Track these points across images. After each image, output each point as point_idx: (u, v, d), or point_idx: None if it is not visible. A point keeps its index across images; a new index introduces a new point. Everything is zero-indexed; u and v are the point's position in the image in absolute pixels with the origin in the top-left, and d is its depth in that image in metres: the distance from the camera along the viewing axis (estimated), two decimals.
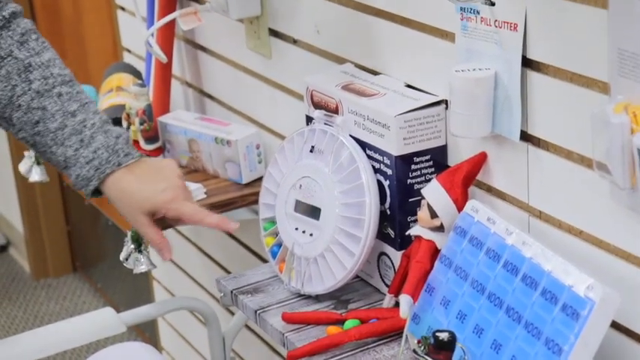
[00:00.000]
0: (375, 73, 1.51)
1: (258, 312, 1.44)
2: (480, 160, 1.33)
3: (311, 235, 1.43)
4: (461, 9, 1.30)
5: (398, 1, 1.44)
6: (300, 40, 1.69)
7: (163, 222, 1.49)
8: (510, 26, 1.23)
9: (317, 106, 1.49)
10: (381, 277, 1.45)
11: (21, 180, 3.38)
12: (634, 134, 1.05)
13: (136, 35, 2.18)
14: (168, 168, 1.46)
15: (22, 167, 2.14)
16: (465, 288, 1.24)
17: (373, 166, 1.40)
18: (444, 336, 1.16)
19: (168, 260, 1.49)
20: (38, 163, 2.12)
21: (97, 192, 1.45)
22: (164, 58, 1.87)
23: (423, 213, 1.32)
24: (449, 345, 1.16)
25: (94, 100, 1.47)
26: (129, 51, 2.33)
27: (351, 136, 1.42)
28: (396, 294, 1.36)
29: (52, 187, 3.47)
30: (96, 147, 1.41)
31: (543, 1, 1.18)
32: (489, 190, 1.35)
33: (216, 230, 2.13)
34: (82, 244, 3.55)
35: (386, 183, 1.39)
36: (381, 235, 1.42)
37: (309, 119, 1.51)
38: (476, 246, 1.25)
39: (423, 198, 1.33)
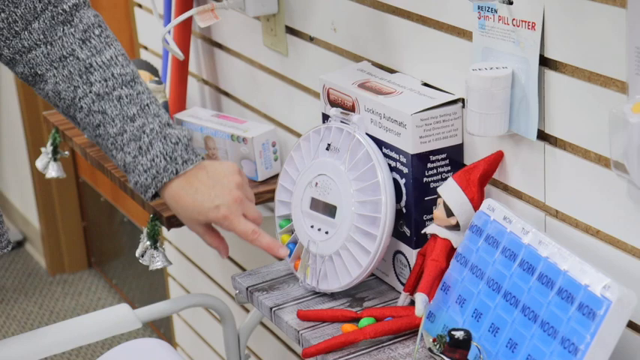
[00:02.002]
0: (391, 71, 1.51)
1: (273, 309, 1.44)
2: (497, 158, 1.33)
3: (326, 232, 1.43)
4: (478, 7, 1.29)
5: None
6: (316, 37, 1.69)
7: None
8: (528, 25, 1.23)
9: (333, 103, 1.49)
10: (396, 275, 1.45)
11: (37, 176, 3.40)
12: None
13: (153, 32, 2.19)
14: (227, 178, 1.41)
15: (39, 163, 2.15)
16: (481, 287, 1.24)
17: (389, 165, 1.40)
18: (459, 334, 1.16)
19: (226, 258, 1.47)
20: (55, 160, 2.13)
21: (157, 195, 1.44)
22: (181, 55, 1.88)
23: (438, 211, 1.32)
24: (464, 343, 1.16)
25: (156, 100, 1.45)
26: (146, 48, 2.33)
27: (367, 134, 1.42)
28: (412, 292, 1.36)
29: (68, 183, 3.48)
30: (154, 155, 1.39)
31: None
32: (506, 188, 1.34)
33: None
34: (98, 240, 3.56)
35: (402, 181, 1.39)
36: (397, 233, 1.42)
37: (325, 117, 1.51)
38: (492, 245, 1.25)
39: (439, 196, 1.33)
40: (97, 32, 1.42)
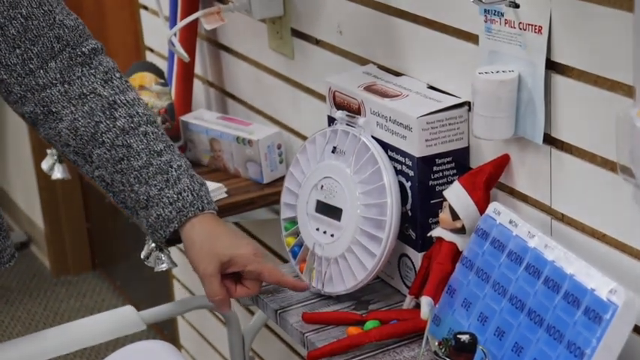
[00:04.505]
0: (397, 74, 1.51)
1: (278, 312, 1.44)
2: (503, 162, 1.33)
3: (332, 235, 1.43)
4: (485, 11, 1.29)
5: (421, 2, 1.43)
6: (322, 40, 1.69)
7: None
8: (535, 28, 1.23)
9: (339, 106, 1.49)
10: (401, 278, 1.45)
11: (42, 177, 3.40)
12: None
13: (159, 34, 2.19)
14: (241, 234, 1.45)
15: (45, 165, 2.16)
16: (487, 290, 1.24)
17: (395, 168, 1.40)
18: (465, 338, 1.16)
19: (227, 312, 1.47)
20: (60, 161, 2.13)
21: (172, 238, 1.43)
22: (186, 58, 1.88)
23: (444, 215, 1.32)
24: (470, 347, 1.16)
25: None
26: (151, 50, 2.33)
27: (373, 137, 1.42)
28: (417, 295, 1.35)
29: (73, 185, 3.48)
30: (181, 188, 1.38)
31: (568, 3, 1.18)
32: (512, 192, 1.34)
33: None
34: (102, 241, 3.56)
35: (407, 184, 1.39)
36: (402, 236, 1.41)
37: (331, 120, 1.51)
38: (498, 248, 1.25)
39: (445, 200, 1.33)
40: (117, 75, 1.42)
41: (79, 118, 1.39)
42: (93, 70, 1.40)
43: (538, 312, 1.16)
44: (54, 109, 1.39)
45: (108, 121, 1.39)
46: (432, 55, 1.44)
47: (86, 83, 1.39)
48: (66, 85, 1.39)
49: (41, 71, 1.38)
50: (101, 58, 1.42)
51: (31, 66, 1.38)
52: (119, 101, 1.39)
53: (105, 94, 1.39)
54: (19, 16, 1.36)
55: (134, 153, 1.39)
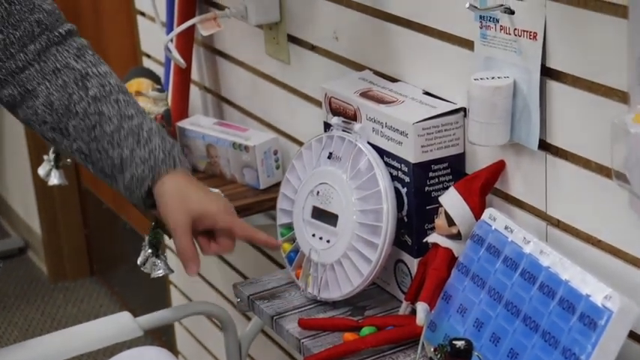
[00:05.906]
0: (393, 80, 1.51)
1: (274, 318, 1.44)
2: (498, 168, 1.33)
3: (328, 241, 1.43)
4: (480, 17, 1.30)
5: (417, 8, 1.44)
6: (318, 46, 1.69)
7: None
8: (530, 35, 1.23)
9: (335, 112, 1.49)
10: (397, 284, 1.45)
11: (40, 183, 3.40)
12: None
13: (156, 40, 2.19)
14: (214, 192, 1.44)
15: (41, 171, 2.16)
16: (482, 296, 1.24)
17: (391, 174, 1.40)
18: (460, 344, 1.16)
19: (193, 275, 1.41)
20: (57, 167, 2.14)
21: (148, 200, 1.42)
22: (183, 64, 1.88)
23: (440, 221, 1.32)
24: (465, 353, 1.16)
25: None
26: (148, 56, 2.34)
27: (369, 143, 1.43)
28: (413, 301, 1.36)
29: (71, 191, 3.48)
30: (152, 147, 1.39)
31: (563, 10, 1.18)
32: (507, 198, 1.34)
33: None
34: (100, 247, 3.56)
35: (403, 190, 1.39)
36: (398, 242, 1.41)
37: (327, 126, 1.51)
38: (493, 254, 1.25)
39: (441, 205, 1.33)
40: (90, 52, 1.45)
41: (54, 92, 1.41)
42: (67, 47, 1.43)
43: (533, 318, 1.16)
44: (30, 87, 1.41)
45: (81, 92, 1.41)
46: (428, 61, 1.44)
47: (60, 58, 1.42)
48: (42, 64, 1.41)
49: (21, 54, 1.41)
50: (75, 38, 1.45)
51: (12, 50, 1.40)
52: (91, 73, 1.42)
53: (78, 67, 1.42)
54: (3, 1, 1.38)
55: (106, 119, 1.40)
